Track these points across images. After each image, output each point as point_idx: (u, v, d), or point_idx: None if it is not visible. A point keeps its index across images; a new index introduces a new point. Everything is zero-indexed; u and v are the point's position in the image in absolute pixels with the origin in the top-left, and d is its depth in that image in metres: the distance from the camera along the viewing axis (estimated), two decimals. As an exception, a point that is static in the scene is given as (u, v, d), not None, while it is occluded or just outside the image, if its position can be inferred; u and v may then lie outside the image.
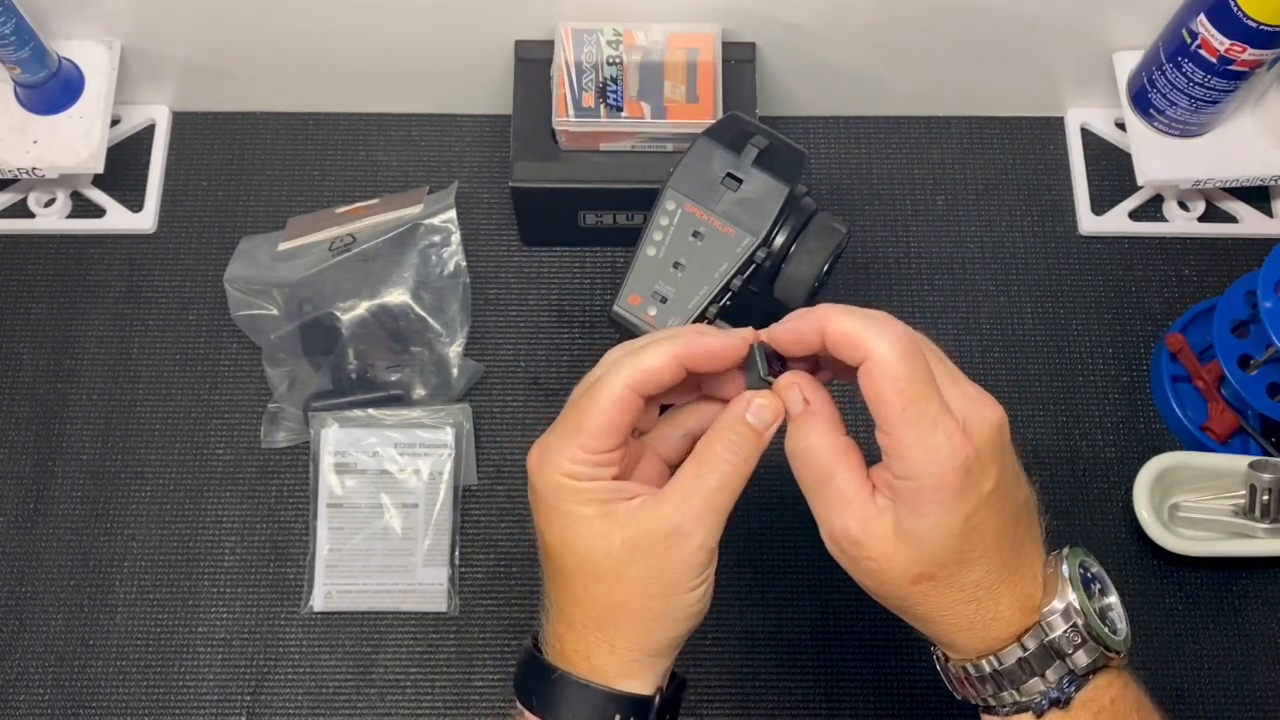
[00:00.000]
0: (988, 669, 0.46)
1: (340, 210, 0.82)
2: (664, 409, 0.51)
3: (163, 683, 0.73)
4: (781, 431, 0.47)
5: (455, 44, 0.80)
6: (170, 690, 0.73)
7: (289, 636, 0.74)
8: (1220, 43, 0.71)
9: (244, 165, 0.86)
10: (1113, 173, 0.86)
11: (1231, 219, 0.85)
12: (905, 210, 0.85)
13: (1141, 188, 0.82)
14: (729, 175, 0.65)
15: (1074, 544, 0.48)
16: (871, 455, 0.46)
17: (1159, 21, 0.77)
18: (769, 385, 0.47)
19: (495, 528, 0.77)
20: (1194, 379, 0.78)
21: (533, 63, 0.78)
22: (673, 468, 0.49)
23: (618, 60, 0.75)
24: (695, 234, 0.65)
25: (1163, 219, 0.85)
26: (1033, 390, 0.80)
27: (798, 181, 0.65)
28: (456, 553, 0.76)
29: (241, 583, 0.76)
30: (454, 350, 0.79)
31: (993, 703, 0.47)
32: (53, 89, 0.78)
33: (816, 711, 0.73)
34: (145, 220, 0.84)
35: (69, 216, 0.84)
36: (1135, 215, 0.85)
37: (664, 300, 0.65)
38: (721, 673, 0.73)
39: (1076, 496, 0.78)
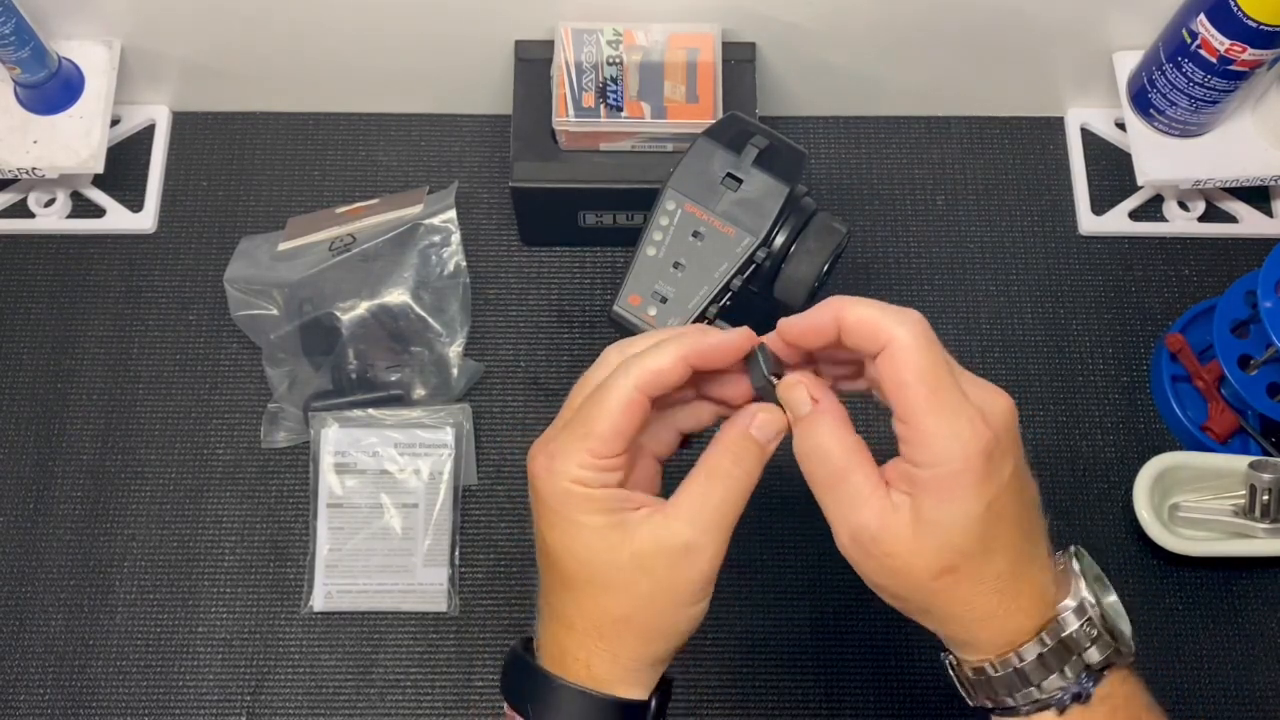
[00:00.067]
0: (1010, 666, 0.45)
1: (340, 210, 0.82)
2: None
3: (163, 683, 0.73)
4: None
5: (455, 44, 0.80)
6: (170, 690, 0.73)
7: (289, 636, 0.74)
8: (1220, 43, 0.71)
9: (244, 165, 0.86)
10: (1113, 173, 0.86)
11: (1231, 219, 0.85)
12: (905, 210, 0.85)
13: (1141, 188, 0.82)
14: (729, 175, 0.65)
15: (1075, 544, 0.48)
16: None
17: (1159, 21, 0.77)
18: (773, 386, 0.47)
19: (495, 528, 0.77)
20: (1194, 379, 0.78)
21: (533, 63, 0.78)
22: (662, 464, 0.49)
23: (618, 60, 0.75)
24: (695, 234, 0.65)
25: (1163, 219, 0.85)
26: (1033, 390, 0.80)
27: (798, 181, 0.65)
28: (456, 553, 0.76)
29: (241, 583, 0.76)
30: (454, 350, 0.79)
31: (1011, 703, 0.46)
32: (53, 89, 0.78)
33: (816, 711, 0.73)
34: (145, 220, 0.84)
35: (69, 216, 0.84)
36: (1135, 215, 0.85)
37: (664, 300, 0.65)
38: (721, 673, 0.73)
39: (1076, 496, 0.78)
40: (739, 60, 0.77)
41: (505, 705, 0.49)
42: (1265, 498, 0.71)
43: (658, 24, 0.76)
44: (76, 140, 0.79)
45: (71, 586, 0.75)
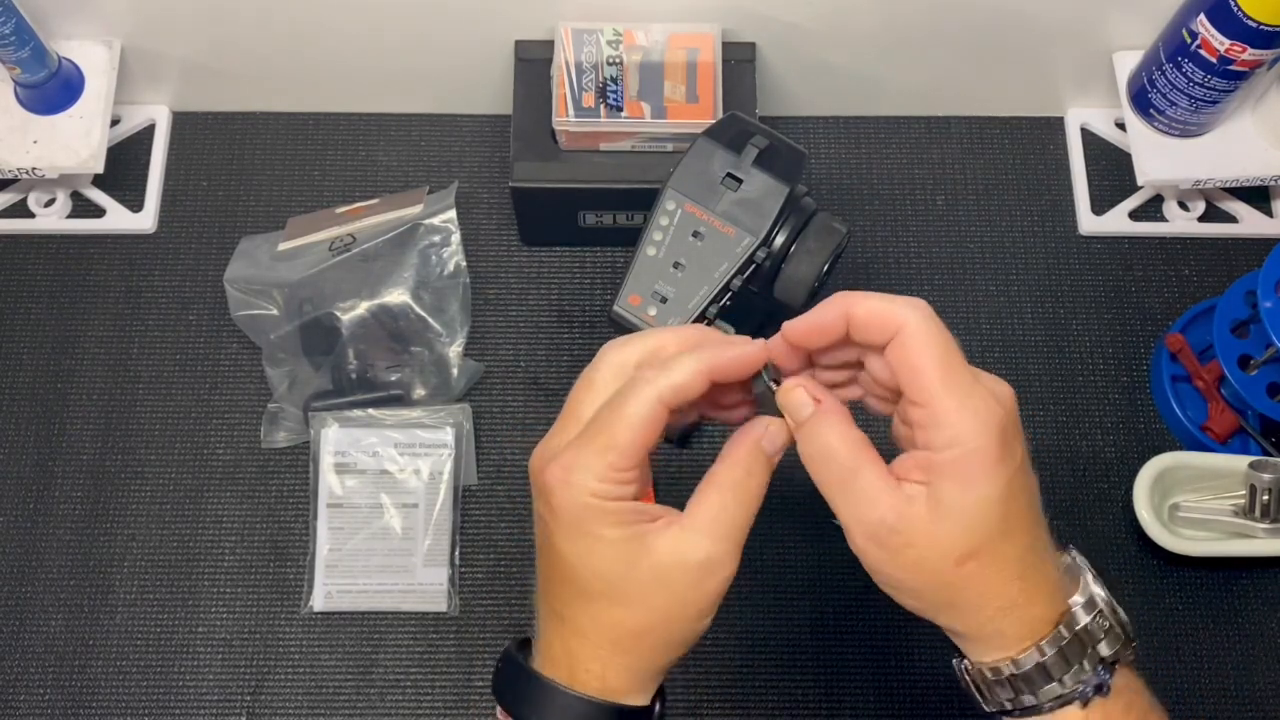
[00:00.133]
0: (1032, 661, 0.45)
1: (340, 210, 0.82)
2: None
3: (163, 683, 0.73)
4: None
5: (455, 44, 0.80)
6: (170, 690, 0.73)
7: (289, 636, 0.74)
8: (1220, 43, 0.71)
9: (244, 165, 0.86)
10: (1113, 173, 0.86)
11: (1231, 219, 0.85)
12: (905, 210, 0.85)
13: (1141, 188, 0.82)
14: (729, 175, 0.65)
15: (1071, 545, 0.48)
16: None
17: (1159, 21, 0.77)
18: (773, 392, 0.47)
19: (495, 528, 0.77)
20: (1194, 379, 0.78)
21: (533, 63, 0.78)
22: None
23: (618, 60, 0.75)
24: (695, 234, 0.65)
25: (1163, 219, 0.85)
26: (1033, 390, 0.80)
27: (798, 181, 0.65)
28: (456, 553, 0.76)
29: (241, 583, 0.76)
30: (454, 350, 0.79)
31: (1033, 700, 0.46)
32: (53, 89, 0.78)
33: (816, 711, 0.73)
34: (145, 220, 0.84)
35: (69, 216, 0.84)
36: (1135, 215, 0.85)
37: (664, 300, 0.65)
38: (721, 673, 0.73)
39: (1076, 496, 0.78)
40: (739, 60, 0.77)
41: (498, 709, 0.49)
42: (1265, 498, 0.71)
43: (658, 24, 0.76)
44: (76, 140, 0.79)
45: (71, 586, 0.75)
